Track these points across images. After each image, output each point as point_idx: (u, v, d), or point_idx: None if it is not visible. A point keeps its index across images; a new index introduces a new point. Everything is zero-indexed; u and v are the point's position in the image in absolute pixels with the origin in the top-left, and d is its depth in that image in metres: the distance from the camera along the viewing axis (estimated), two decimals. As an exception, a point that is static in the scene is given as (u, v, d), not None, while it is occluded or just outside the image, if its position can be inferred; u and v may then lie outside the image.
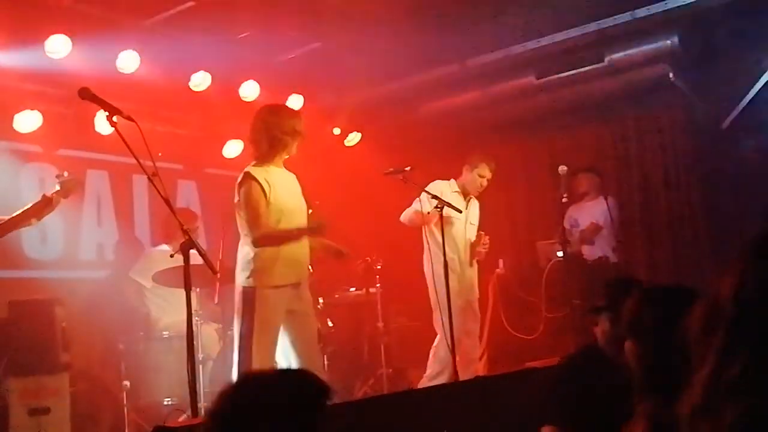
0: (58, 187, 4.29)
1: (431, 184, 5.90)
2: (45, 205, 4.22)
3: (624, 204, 7.02)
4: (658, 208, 7.02)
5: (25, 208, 4.20)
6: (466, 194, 6.09)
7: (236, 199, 4.51)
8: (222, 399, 1.72)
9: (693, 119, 6.82)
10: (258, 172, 4.45)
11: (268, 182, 4.44)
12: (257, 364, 4.24)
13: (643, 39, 6.37)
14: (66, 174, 4.34)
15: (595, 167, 6.82)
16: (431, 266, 5.81)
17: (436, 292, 5.56)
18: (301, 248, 4.55)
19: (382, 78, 7.24)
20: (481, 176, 6.02)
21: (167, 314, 5.92)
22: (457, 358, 5.30)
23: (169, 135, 6.63)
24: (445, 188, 5.98)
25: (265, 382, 1.77)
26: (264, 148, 4.51)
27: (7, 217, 4.11)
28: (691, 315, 1.39)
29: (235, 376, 4.33)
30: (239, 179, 4.48)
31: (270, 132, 4.48)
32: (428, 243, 5.77)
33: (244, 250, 4.51)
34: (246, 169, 4.49)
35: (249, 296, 4.41)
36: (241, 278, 4.49)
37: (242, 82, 6.98)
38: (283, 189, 4.53)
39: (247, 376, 1.83)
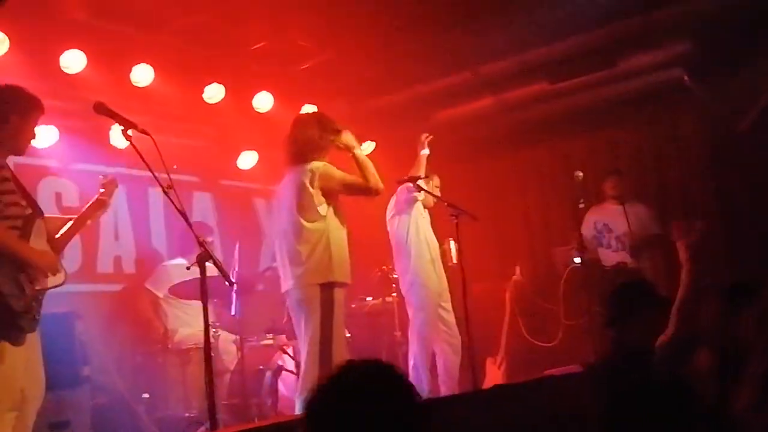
0: (102, 190, 4.31)
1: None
2: (98, 207, 4.28)
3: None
4: (675, 214, 6.94)
5: (82, 211, 4.26)
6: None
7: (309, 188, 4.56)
8: (320, 392, 1.70)
9: (709, 124, 6.76)
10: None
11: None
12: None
13: (658, 43, 6.33)
14: (102, 177, 4.37)
15: (620, 169, 6.69)
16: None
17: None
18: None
19: (395, 86, 7.23)
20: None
21: (184, 326, 5.93)
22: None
23: (183, 147, 6.65)
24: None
25: (365, 372, 1.74)
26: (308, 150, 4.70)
27: (61, 222, 4.16)
28: (746, 315, 1.37)
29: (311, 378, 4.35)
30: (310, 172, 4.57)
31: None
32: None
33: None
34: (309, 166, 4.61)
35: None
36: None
37: (256, 93, 7.00)
38: None
39: (346, 368, 1.78)
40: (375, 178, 4.67)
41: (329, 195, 4.62)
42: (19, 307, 3.70)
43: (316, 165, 4.61)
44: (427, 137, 5.80)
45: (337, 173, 4.66)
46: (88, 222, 4.30)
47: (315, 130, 4.74)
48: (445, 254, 5.97)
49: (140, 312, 6.16)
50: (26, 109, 3.87)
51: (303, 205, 4.57)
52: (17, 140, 3.87)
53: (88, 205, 4.29)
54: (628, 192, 6.59)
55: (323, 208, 4.59)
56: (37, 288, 3.84)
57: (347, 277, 4.65)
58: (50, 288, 3.95)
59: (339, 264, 4.57)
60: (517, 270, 6.99)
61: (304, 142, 4.72)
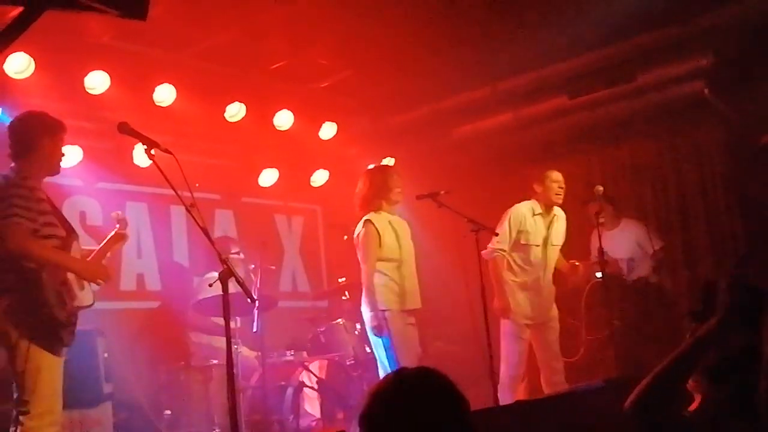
0: (118, 225, 4.51)
1: (513, 208, 5.90)
2: (117, 240, 4.48)
3: (662, 225, 6.91)
4: (697, 229, 6.88)
5: (102, 244, 4.46)
6: (549, 208, 5.96)
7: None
8: (374, 398, 1.78)
9: (730, 137, 6.71)
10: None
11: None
12: None
13: (677, 56, 6.31)
14: (116, 214, 4.61)
15: (604, 195, 6.47)
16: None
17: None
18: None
19: (414, 103, 7.27)
20: (554, 181, 5.90)
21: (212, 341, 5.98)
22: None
23: (205, 166, 6.73)
24: (526, 210, 5.91)
25: (415, 379, 1.82)
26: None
27: (87, 253, 4.33)
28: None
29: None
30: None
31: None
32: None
33: None
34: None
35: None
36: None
37: (276, 112, 7.07)
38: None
39: (397, 374, 1.87)
40: None
41: None
42: (63, 317, 3.85)
43: None
44: None
45: None
46: (108, 255, 4.47)
47: None
48: None
49: (170, 330, 6.21)
50: (53, 131, 4.08)
51: None
52: (50, 162, 4.09)
53: (107, 239, 4.47)
54: (619, 212, 6.56)
55: None
56: (75, 304, 3.98)
57: None
58: (83, 307, 4.06)
59: None
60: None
61: None
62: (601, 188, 5.91)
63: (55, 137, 4.06)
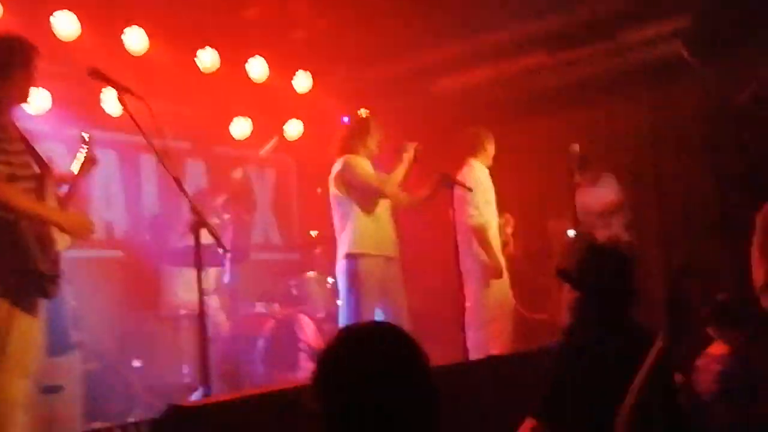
0: (84, 147, 4.11)
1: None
2: (88, 164, 4.10)
3: (637, 184, 6.93)
4: (673, 188, 6.92)
5: (76, 174, 4.07)
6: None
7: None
8: (327, 352, 1.69)
9: (708, 98, 6.72)
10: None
11: None
12: None
13: (657, 16, 6.27)
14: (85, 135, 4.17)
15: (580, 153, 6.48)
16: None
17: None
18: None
19: (392, 56, 7.16)
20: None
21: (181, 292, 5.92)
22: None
23: (176, 114, 6.57)
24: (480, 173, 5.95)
25: (366, 335, 1.73)
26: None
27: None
28: None
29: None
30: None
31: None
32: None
33: None
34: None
35: None
36: None
37: (250, 60, 6.93)
38: None
39: (348, 330, 1.77)
40: None
41: None
42: (46, 268, 3.58)
43: None
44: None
45: None
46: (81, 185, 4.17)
47: None
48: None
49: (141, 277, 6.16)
50: (28, 58, 3.71)
51: None
52: (22, 90, 3.72)
53: (80, 165, 4.09)
54: (597, 169, 6.58)
55: None
56: (57, 248, 3.69)
57: None
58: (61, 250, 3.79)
59: None
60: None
61: None
62: (577, 146, 5.90)
63: (29, 66, 3.68)
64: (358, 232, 5.15)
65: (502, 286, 5.96)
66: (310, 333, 5.98)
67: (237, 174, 6.31)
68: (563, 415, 2.80)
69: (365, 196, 5.19)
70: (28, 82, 3.73)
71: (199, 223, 3.50)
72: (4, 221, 3.49)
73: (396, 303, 5.25)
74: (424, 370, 1.66)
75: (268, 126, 7.60)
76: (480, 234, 5.79)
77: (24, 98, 3.78)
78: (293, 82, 7.35)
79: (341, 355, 1.67)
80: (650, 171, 7.04)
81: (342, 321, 5.24)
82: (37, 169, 3.75)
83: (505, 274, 5.98)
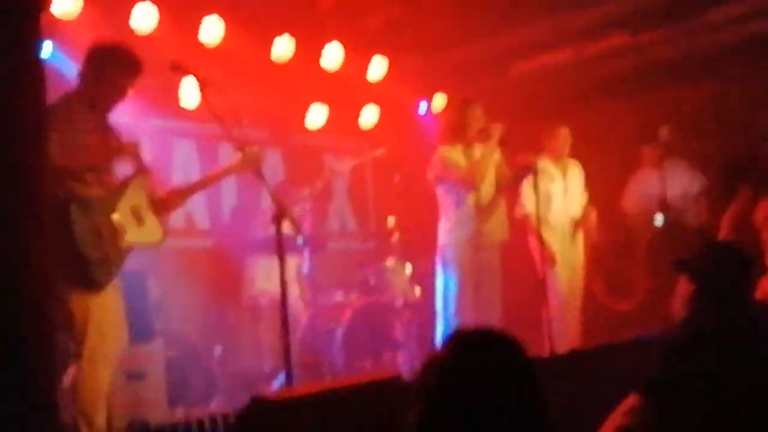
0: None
1: None
2: (141, 179, 4.16)
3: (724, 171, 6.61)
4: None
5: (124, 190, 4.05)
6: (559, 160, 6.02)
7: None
8: (438, 357, 1.67)
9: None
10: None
11: None
12: None
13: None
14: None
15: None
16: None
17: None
18: None
19: (469, 39, 7.01)
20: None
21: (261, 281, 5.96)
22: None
23: (252, 105, 6.58)
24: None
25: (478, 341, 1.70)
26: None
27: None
28: None
29: None
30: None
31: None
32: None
33: None
34: None
35: None
36: None
37: (326, 48, 6.88)
38: None
39: (459, 335, 1.73)
40: None
41: None
42: (95, 256, 3.67)
43: None
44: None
45: None
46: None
47: None
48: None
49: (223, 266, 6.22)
50: (126, 73, 3.89)
51: None
52: (114, 99, 3.91)
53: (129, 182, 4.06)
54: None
55: None
56: (123, 242, 3.82)
57: None
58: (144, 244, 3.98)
59: None
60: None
61: None
62: (666, 130, 5.71)
63: (128, 77, 3.89)
64: (455, 220, 5.35)
65: (565, 276, 5.90)
66: (389, 322, 5.93)
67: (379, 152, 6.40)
68: (677, 398, 2.70)
69: (456, 188, 5.36)
70: (118, 94, 3.90)
71: (280, 213, 3.48)
72: (56, 210, 3.47)
73: (491, 292, 5.35)
74: (535, 380, 1.63)
75: (344, 115, 7.56)
76: (527, 224, 5.84)
77: (108, 108, 3.92)
78: (369, 68, 7.28)
79: (455, 363, 1.65)
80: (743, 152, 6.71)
81: (438, 308, 5.44)
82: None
83: (577, 264, 5.91)
